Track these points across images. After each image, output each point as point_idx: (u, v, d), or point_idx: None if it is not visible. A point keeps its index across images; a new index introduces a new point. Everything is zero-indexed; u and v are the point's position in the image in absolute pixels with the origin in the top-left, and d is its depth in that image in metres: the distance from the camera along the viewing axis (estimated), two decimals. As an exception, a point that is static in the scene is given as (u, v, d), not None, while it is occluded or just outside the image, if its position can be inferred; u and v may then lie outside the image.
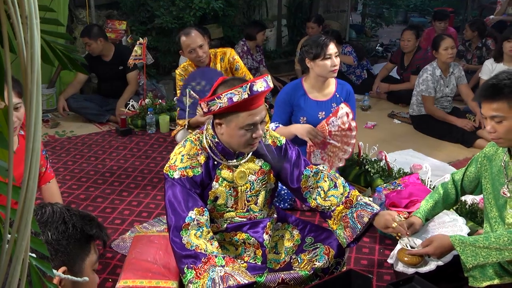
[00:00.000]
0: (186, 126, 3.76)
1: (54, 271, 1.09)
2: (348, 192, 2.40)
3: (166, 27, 6.13)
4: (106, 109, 5.36)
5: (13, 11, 0.52)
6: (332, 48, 3.39)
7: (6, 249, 0.56)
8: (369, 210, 2.33)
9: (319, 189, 2.41)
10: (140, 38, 5.10)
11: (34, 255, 0.76)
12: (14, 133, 2.26)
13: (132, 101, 5.20)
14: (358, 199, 2.38)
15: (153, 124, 5.04)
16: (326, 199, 2.38)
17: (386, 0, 8.83)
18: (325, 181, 2.42)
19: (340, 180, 2.45)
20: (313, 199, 2.41)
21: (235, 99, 2.07)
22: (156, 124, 5.07)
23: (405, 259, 2.33)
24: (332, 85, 3.59)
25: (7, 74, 0.54)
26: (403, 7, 9.24)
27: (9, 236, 0.57)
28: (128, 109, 5.15)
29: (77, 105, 5.28)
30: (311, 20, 6.73)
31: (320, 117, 3.52)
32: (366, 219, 2.28)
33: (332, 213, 2.38)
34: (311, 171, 2.44)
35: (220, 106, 2.09)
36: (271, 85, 2.18)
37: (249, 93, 2.07)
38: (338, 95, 3.56)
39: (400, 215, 2.56)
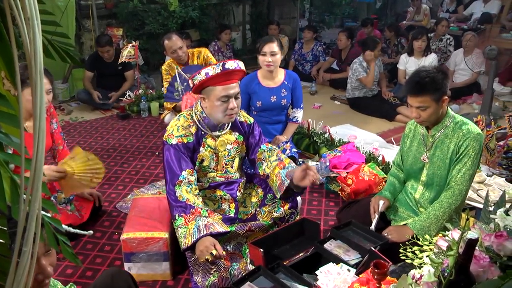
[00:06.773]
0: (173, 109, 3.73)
1: (64, 226, 1.07)
2: (284, 158, 2.42)
3: (154, 32, 6.03)
4: (109, 98, 5.21)
5: (18, 14, 0.49)
6: (269, 47, 3.27)
7: (23, 208, 0.55)
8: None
9: (268, 162, 2.43)
10: (133, 41, 5.00)
11: (49, 214, 0.75)
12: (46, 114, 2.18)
13: (129, 92, 5.09)
14: (290, 163, 2.38)
15: (146, 109, 4.95)
16: (270, 167, 2.40)
17: (327, 9, 8.88)
18: (274, 156, 2.44)
19: (283, 156, 2.47)
20: (263, 169, 2.43)
21: (210, 73, 2.12)
22: (148, 109, 4.98)
23: None
24: (281, 75, 3.49)
25: (15, 66, 0.51)
26: (340, 14, 9.29)
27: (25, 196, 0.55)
28: (126, 98, 5.04)
29: (87, 97, 5.15)
30: (273, 23, 6.65)
31: (272, 101, 3.46)
32: (292, 173, 2.27)
33: (270, 174, 2.40)
34: (267, 147, 2.48)
35: (199, 79, 2.14)
36: (242, 68, 2.19)
37: (221, 69, 2.12)
38: (286, 83, 3.49)
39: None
